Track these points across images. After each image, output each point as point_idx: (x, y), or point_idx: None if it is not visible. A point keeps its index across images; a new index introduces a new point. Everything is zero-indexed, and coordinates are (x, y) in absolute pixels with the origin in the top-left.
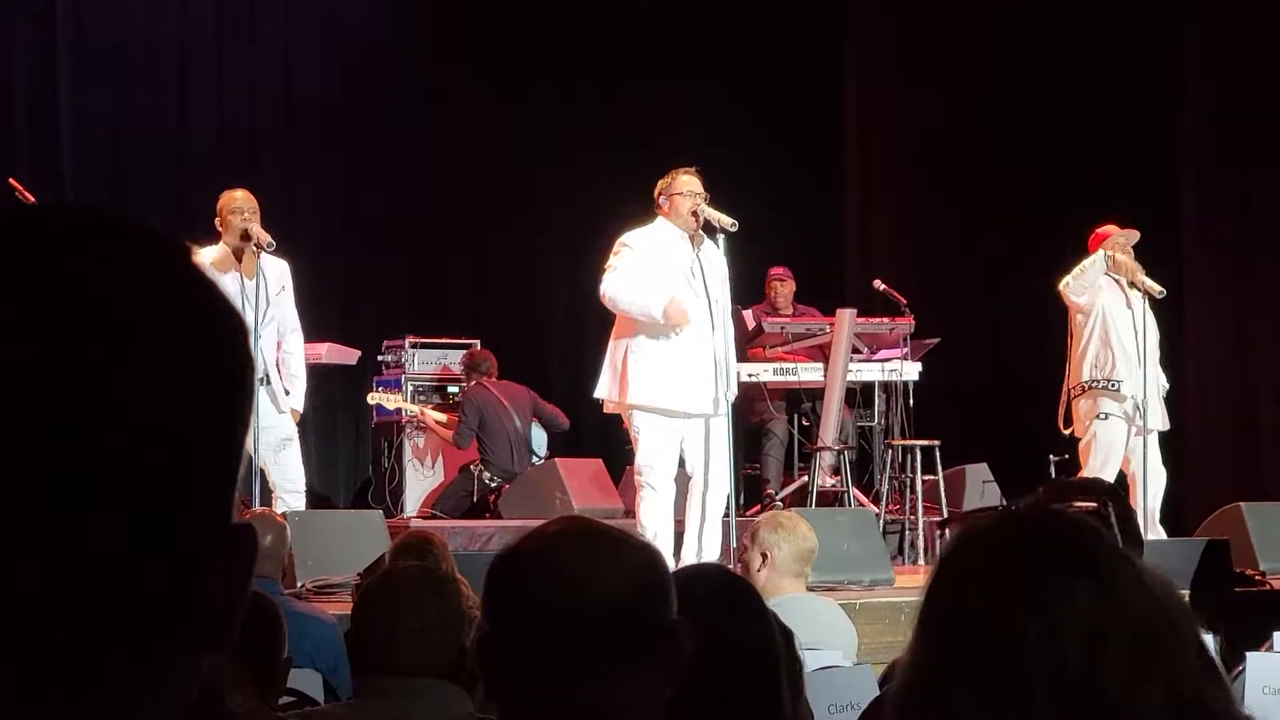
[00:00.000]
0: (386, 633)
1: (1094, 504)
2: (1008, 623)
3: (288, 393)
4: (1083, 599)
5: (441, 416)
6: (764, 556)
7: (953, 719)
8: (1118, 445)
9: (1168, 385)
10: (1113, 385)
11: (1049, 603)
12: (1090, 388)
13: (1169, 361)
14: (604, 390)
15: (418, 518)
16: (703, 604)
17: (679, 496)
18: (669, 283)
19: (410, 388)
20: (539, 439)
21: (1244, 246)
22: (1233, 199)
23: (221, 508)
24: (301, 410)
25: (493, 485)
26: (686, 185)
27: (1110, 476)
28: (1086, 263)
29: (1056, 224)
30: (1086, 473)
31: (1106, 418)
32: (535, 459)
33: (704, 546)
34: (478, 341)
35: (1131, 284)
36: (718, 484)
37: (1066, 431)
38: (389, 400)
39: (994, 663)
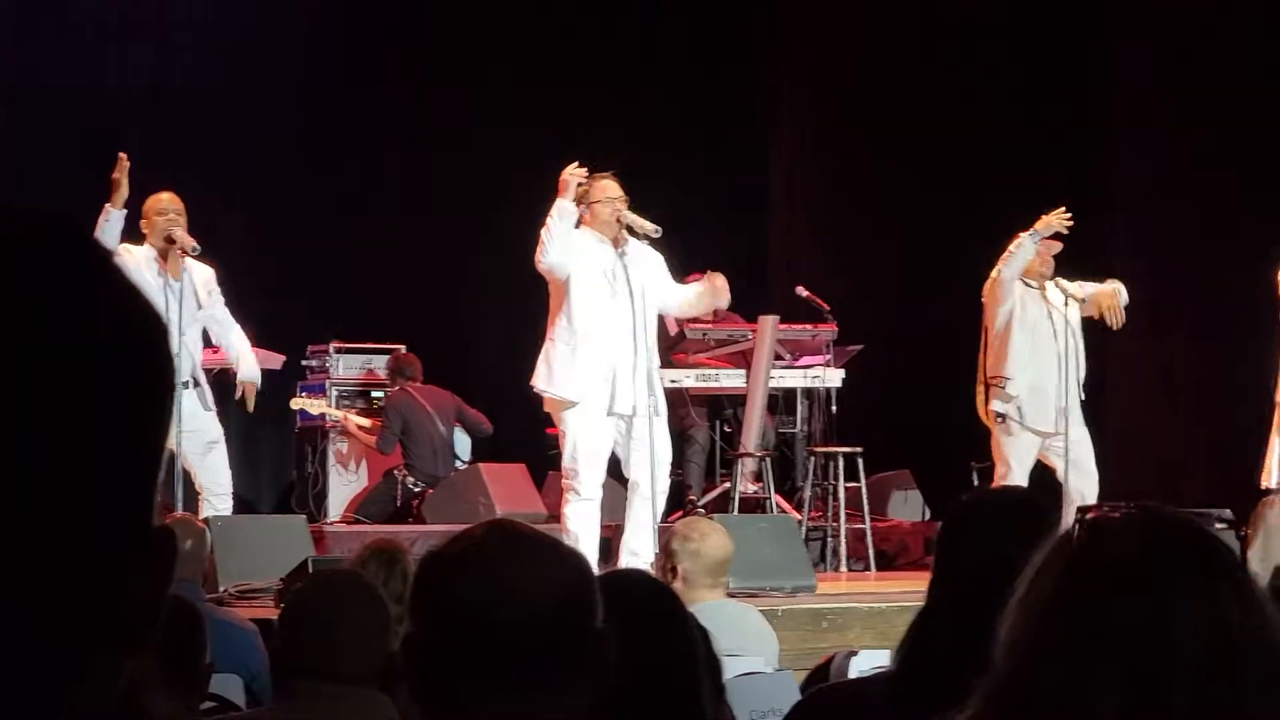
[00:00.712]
0: (318, 637)
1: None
2: (1161, 618)
3: (210, 408)
4: (1228, 608)
5: (365, 421)
6: (673, 570)
7: (1090, 707)
8: (1020, 451)
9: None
10: (1001, 384)
11: (1201, 605)
12: (990, 384)
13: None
14: (535, 378)
15: (341, 522)
16: (624, 610)
17: (614, 502)
18: (589, 278)
19: (335, 392)
20: (463, 444)
21: (1165, 256)
22: (1156, 206)
23: (142, 510)
24: (256, 385)
25: (416, 490)
26: (606, 191)
27: (1021, 482)
28: (1013, 246)
29: (980, 232)
30: (997, 480)
31: (1003, 420)
32: (459, 464)
33: (635, 552)
34: (402, 346)
35: (1042, 279)
36: (646, 489)
37: (987, 422)
38: (312, 405)
39: (1142, 656)
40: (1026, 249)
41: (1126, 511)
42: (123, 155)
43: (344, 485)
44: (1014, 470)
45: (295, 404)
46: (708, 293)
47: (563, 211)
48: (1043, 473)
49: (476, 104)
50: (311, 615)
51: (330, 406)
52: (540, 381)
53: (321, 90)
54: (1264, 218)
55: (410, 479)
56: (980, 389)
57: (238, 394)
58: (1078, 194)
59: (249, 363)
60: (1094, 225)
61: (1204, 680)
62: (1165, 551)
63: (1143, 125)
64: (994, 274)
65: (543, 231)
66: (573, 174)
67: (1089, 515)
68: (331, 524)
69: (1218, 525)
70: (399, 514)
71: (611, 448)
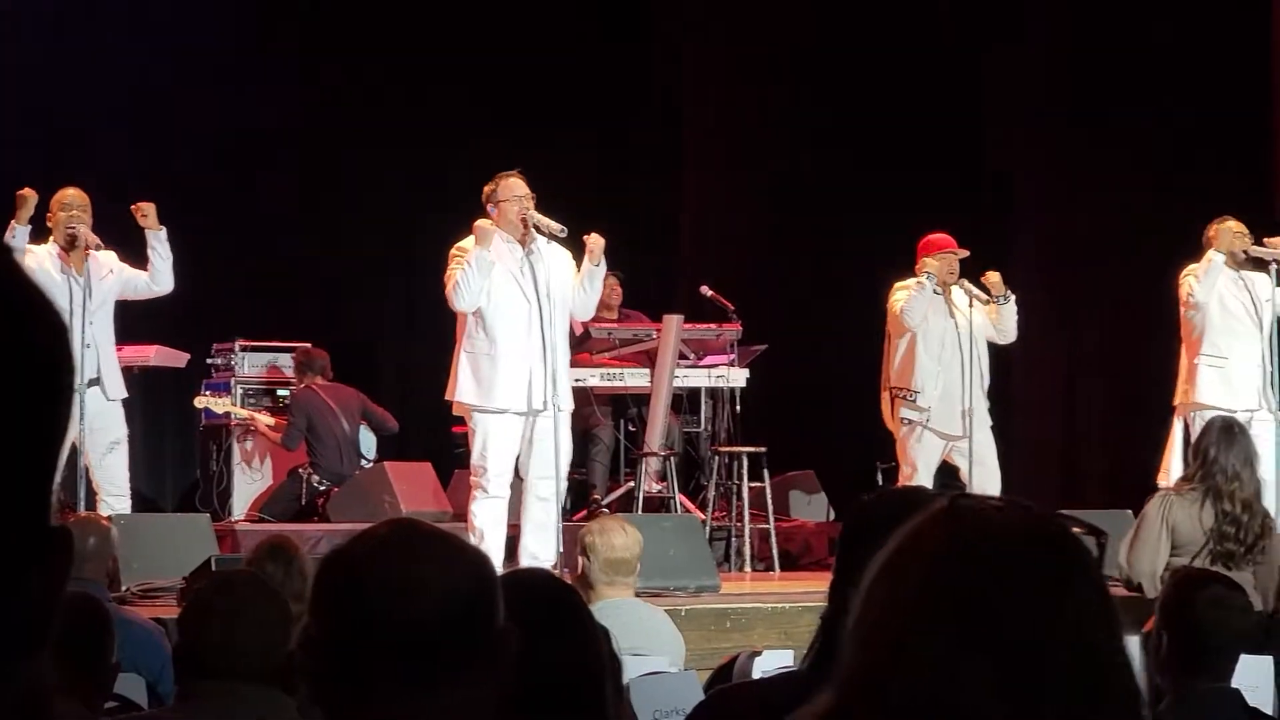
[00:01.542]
0: (220, 637)
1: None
2: (1035, 612)
3: (114, 397)
4: (1096, 608)
5: (270, 420)
6: (581, 568)
7: (958, 700)
8: (926, 453)
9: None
10: (910, 397)
11: (1073, 604)
12: (895, 395)
13: (999, 371)
14: (449, 391)
15: (245, 521)
16: (525, 608)
17: (514, 501)
18: (498, 284)
19: (240, 390)
20: (368, 442)
21: (1072, 259)
22: (1062, 213)
23: (39, 510)
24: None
25: (321, 488)
26: (512, 190)
27: (926, 483)
28: (915, 287)
29: (886, 232)
30: (902, 480)
31: (910, 424)
32: (364, 462)
33: (536, 551)
34: (309, 345)
35: (947, 287)
36: (547, 488)
37: (892, 427)
38: (217, 404)
39: (1014, 651)
40: (926, 291)
41: (997, 505)
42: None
43: (248, 484)
44: (919, 472)
45: (199, 402)
46: (584, 270)
47: (480, 261)
48: (946, 469)
49: (384, 103)
50: (213, 614)
51: (234, 405)
52: (466, 396)
53: (228, 87)
54: (1168, 225)
55: (315, 476)
56: (885, 395)
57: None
58: (982, 199)
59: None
60: (999, 229)
61: (1070, 679)
62: (1040, 547)
63: (1045, 131)
64: (895, 307)
65: (458, 274)
66: (490, 225)
67: (959, 506)
68: (236, 522)
69: (1075, 529)
70: (304, 512)
71: (519, 446)
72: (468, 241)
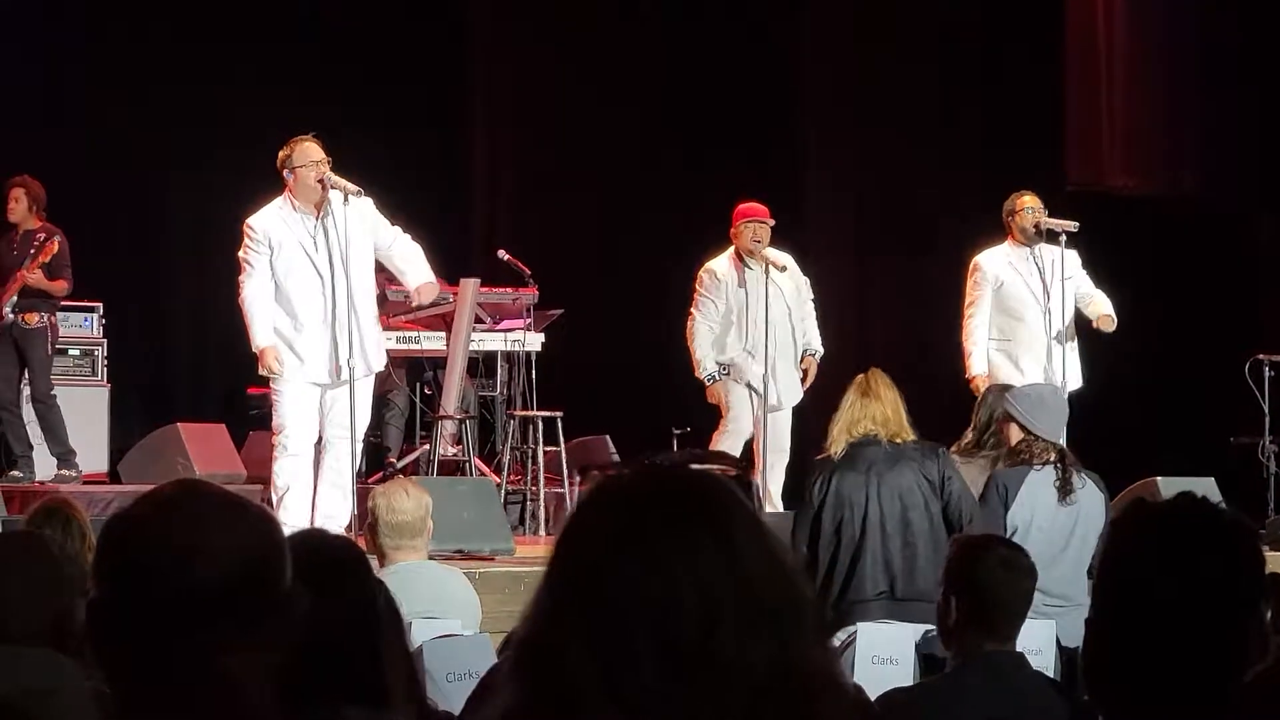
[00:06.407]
0: None
1: (732, 469)
2: (622, 577)
3: None
4: (705, 556)
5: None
6: (372, 531)
7: (567, 678)
8: (745, 418)
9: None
10: (728, 372)
11: (668, 558)
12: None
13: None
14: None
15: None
16: (304, 570)
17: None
18: (291, 261)
19: None
20: None
21: (861, 234)
22: (850, 182)
23: None
24: None
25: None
26: (309, 154)
27: (735, 449)
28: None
29: (684, 200)
30: (720, 429)
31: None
32: None
33: (331, 511)
34: (25, 175)
35: (749, 254)
36: (343, 449)
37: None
38: None
39: (606, 619)
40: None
41: (626, 469)
42: None
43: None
44: (738, 420)
45: None
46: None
47: (251, 334)
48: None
49: (170, 65)
50: None
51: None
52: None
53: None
54: (950, 188)
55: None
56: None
57: None
58: (777, 158)
59: None
60: (794, 193)
61: (673, 632)
62: (646, 508)
63: (830, 93)
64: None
65: (249, 292)
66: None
67: (601, 480)
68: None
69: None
70: None
71: (318, 406)
72: (257, 219)
